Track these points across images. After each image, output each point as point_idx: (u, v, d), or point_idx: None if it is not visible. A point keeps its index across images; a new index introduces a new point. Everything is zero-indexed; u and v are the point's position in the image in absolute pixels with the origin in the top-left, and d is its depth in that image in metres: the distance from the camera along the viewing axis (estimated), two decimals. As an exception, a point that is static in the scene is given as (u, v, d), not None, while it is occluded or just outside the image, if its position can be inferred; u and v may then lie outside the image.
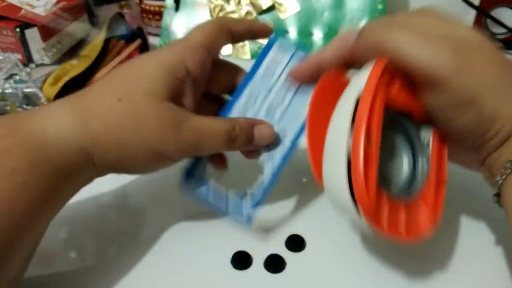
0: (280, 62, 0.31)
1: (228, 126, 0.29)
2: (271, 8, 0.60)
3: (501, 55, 0.26)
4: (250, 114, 0.31)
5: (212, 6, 0.61)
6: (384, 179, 0.27)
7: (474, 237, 0.32)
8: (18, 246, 0.24)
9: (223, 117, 0.31)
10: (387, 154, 0.28)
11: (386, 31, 0.25)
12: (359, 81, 0.25)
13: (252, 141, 0.30)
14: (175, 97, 0.27)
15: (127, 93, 0.26)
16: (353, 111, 0.24)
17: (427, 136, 0.28)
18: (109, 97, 0.26)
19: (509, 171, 0.24)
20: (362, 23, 0.58)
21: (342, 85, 0.27)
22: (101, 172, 0.28)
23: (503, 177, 0.25)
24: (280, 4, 0.60)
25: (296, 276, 0.29)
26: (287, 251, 0.31)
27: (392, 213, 0.25)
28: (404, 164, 0.28)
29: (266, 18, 0.60)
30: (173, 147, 0.27)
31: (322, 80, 0.29)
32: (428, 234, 0.26)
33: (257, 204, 0.30)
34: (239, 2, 0.61)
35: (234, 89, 0.32)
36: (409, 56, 0.24)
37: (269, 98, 0.31)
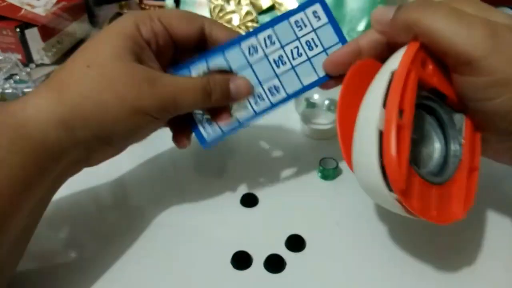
0: (309, 24, 0.32)
1: (203, 81, 0.29)
2: (271, 8, 0.60)
3: None
4: (259, 53, 0.31)
5: (212, 6, 0.61)
6: (416, 162, 0.27)
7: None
8: (4, 225, 0.23)
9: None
10: (419, 138, 0.28)
11: (422, 10, 0.26)
12: (393, 61, 0.26)
13: (229, 95, 0.30)
14: (139, 60, 0.28)
15: (94, 59, 0.27)
16: (386, 88, 0.25)
17: (460, 122, 0.28)
18: (78, 66, 0.27)
19: None
20: (362, 23, 0.58)
21: (375, 70, 0.27)
22: (91, 153, 0.27)
23: None
24: (280, 4, 0.60)
25: (296, 276, 0.29)
26: (287, 251, 0.31)
27: (423, 193, 0.25)
28: (436, 149, 0.29)
29: (266, 18, 0.60)
30: (150, 102, 0.27)
31: (355, 65, 0.29)
32: (460, 218, 0.26)
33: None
34: (239, 2, 0.61)
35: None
36: (444, 35, 0.25)
37: (286, 48, 0.32)
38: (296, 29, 0.32)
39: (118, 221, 0.34)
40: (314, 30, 0.32)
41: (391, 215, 0.34)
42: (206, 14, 0.61)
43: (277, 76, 0.32)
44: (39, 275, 0.29)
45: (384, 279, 0.29)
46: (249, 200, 0.35)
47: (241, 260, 0.30)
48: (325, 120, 0.42)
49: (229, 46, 0.31)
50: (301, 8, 0.32)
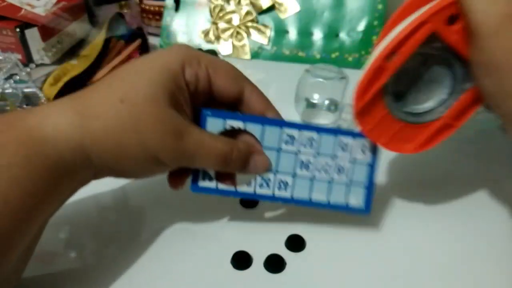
0: (352, 152, 0.31)
1: (227, 149, 0.28)
2: (271, 8, 0.60)
3: None
4: (293, 146, 0.30)
5: (212, 6, 0.61)
6: (404, 97, 0.30)
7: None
8: (13, 243, 0.23)
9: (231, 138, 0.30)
10: (428, 80, 0.29)
11: None
12: (426, 7, 0.27)
13: (245, 169, 0.30)
14: (175, 102, 0.27)
15: (129, 95, 0.26)
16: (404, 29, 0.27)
17: (469, 84, 0.28)
18: (110, 98, 0.26)
19: None
20: (362, 23, 0.58)
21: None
22: (98, 174, 0.27)
23: None
24: (280, 4, 0.60)
25: (296, 276, 0.29)
26: (287, 251, 0.31)
27: (383, 122, 0.29)
28: (434, 96, 0.30)
29: (266, 18, 0.60)
30: (171, 155, 0.27)
31: None
32: (406, 152, 0.30)
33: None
34: (239, 2, 0.61)
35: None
36: (467, 2, 0.25)
37: (319, 159, 0.31)
38: (338, 148, 0.31)
39: (119, 222, 0.34)
40: (353, 160, 0.31)
41: (392, 215, 0.34)
42: (206, 14, 0.62)
43: (294, 175, 0.31)
44: (41, 279, 0.29)
45: (384, 279, 0.29)
46: (249, 200, 0.35)
47: (241, 260, 0.30)
48: (325, 120, 0.42)
49: (272, 123, 0.30)
50: (354, 134, 0.31)
